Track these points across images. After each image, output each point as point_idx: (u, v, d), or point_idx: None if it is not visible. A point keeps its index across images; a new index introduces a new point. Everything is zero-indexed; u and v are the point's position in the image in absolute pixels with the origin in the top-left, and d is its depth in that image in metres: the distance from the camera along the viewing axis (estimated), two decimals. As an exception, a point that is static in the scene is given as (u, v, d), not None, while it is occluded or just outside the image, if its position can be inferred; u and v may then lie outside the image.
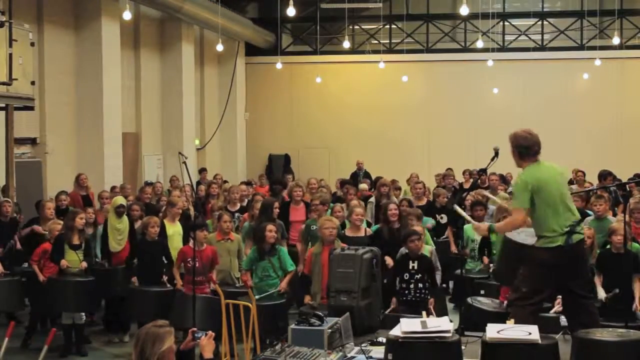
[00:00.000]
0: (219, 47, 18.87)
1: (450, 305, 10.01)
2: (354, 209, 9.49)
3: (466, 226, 9.66)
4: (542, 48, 22.83)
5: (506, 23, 23.00)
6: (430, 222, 11.01)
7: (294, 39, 24.38)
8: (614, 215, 10.17)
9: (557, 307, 6.97)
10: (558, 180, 6.34)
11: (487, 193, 11.11)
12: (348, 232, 9.24)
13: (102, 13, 15.29)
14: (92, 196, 12.70)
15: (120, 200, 10.29)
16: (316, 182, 13.70)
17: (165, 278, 9.05)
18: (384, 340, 5.78)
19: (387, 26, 23.25)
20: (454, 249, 10.91)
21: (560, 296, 6.76)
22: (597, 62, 20.92)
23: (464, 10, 16.15)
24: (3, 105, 10.94)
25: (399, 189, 14.24)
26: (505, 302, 6.86)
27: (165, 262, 9.20)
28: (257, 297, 7.90)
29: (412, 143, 22.81)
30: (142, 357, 4.17)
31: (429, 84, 23.05)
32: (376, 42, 23.35)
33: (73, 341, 9.04)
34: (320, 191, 11.95)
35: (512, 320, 5.84)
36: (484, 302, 7.44)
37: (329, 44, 23.88)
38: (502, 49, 22.73)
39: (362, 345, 6.14)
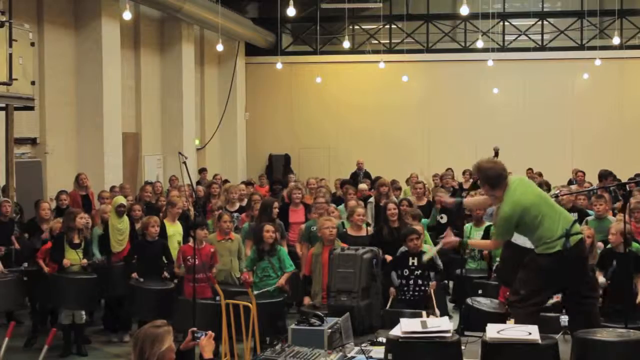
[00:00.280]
0: (219, 47, 18.87)
1: (450, 305, 10.02)
2: (354, 209, 9.49)
3: (466, 226, 9.67)
4: (542, 48, 22.84)
5: (506, 23, 23.00)
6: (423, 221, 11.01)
7: (294, 39, 24.38)
8: (614, 215, 10.17)
9: (556, 300, 6.96)
10: (535, 192, 6.33)
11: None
12: (350, 232, 9.24)
13: (102, 13, 15.29)
14: (91, 196, 12.70)
15: (120, 199, 10.29)
16: (315, 182, 13.69)
17: (166, 273, 9.06)
18: (384, 340, 5.78)
19: (387, 26, 23.25)
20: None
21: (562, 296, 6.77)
22: (597, 62, 20.92)
23: (464, 10, 16.16)
24: (3, 105, 10.93)
25: (399, 189, 14.24)
26: (505, 303, 6.86)
27: (166, 262, 9.22)
28: (255, 293, 7.91)
29: (412, 143, 22.81)
30: (142, 358, 4.16)
31: (429, 84, 23.05)
32: (376, 42, 23.35)
33: (72, 341, 9.04)
34: (320, 191, 11.93)
35: (513, 320, 5.84)
36: (484, 302, 7.43)
37: (329, 44, 23.88)
38: (502, 49, 22.73)
39: (362, 345, 6.14)
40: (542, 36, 22.99)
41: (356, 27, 24.07)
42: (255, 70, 23.77)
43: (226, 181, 16.48)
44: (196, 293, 7.87)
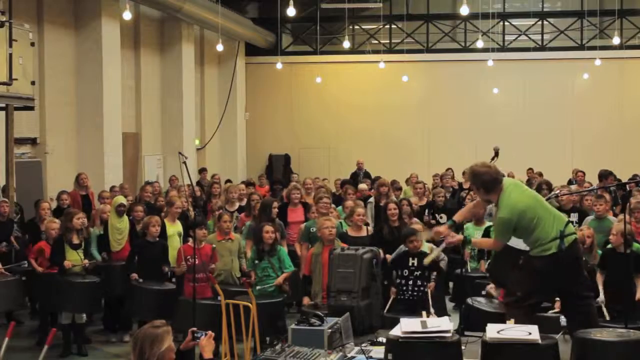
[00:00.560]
0: (219, 47, 18.87)
1: (450, 305, 10.02)
2: (354, 209, 9.49)
3: (466, 226, 9.66)
4: (542, 48, 22.83)
5: (506, 23, 23.01)
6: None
7: (294, 39, 24.38)
8: (615, 215, 10.17)
9: (557, 309, 6.97)
10: (530, 194, 6.34)
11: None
12: (350, 232, 9.24)
13: (102, 13, 15.29)
14: (92, 196, 12.71)
15: (120, 199, 10.30)
16: (312, 182, 13.72)
17: (166, 269, 9.05)
18: (384, 340, 5.78)
19: (387, 26, 23.25)
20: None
21: (559, 302, 6.77)
22: (597, 62, 20.92)
23: (464, 10, 16.15)
24: (3, 105, 10.93)
25: (400, 189, 14.24)
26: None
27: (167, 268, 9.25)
28: (255, 292, 7.92)
29: (412, 143, 22.82)
30: (142, 359, 4.16)
31: (429, 84, 23.05)
32: (376, 42, 23.35)
33: (72, 341, 9.05)
34: (320, 191, 11.93)
35: (512, 321, 5.84)
36: (484, 302, 7.43)
37: (329, 44, 23.89)
38: (502, 49, 22.73)
39: (362, 345, 6.14)
40: (542, 36, 23.00)
41: (356, 27, 24.07)
42: (255, 70, 23.77)
43: (229, 181, 16.47)
44: (196, 293, 7.87)
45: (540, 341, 5.35)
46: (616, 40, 20.58)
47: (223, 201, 12.14)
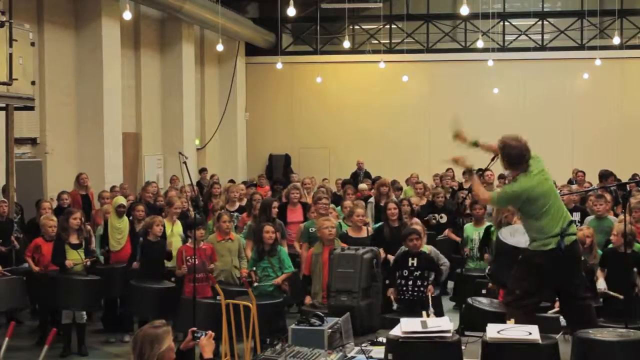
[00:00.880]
0: (219, 47, 18.88)
1: (450, 305, 10.02)
2: (354, 209, 9.49)
3: (466, 226, 9.67)
4: (542, 48, 22.83)
5: (506, 23, 23.00)
6: None
7: (294, 39, 24.38)
8: (615, 215, 10.17)
9: (556, 309, 6.97)
10: (551, 186, 6.32)
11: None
12: (350, 233, 9.23)
13: (102, 13, 15.29)
14: (91, 196, 12.71)
15: (120, 200, 10.29)
16: (310, 182, 13.70)
17: (167, 263, 9.06)
18: (384, 340, 5.78)
19: (388, 26, 23.25)
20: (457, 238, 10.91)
21: (558, 302, 6.77)
22: (598, 62, 20.92)
23: (464, 10, 16.16)
24: (3, 105, 10.93)
25: (400, 189, 14.24)
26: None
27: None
28: (255, 291, 7.93)
29: (413, 143, 22.79)
30: (142, 359, 4.16)
31: (429, 84, 23.05)
32: (376, 42, 23.35)
33: (70, 340, 9.06)
34: (319, 191, 11.94)
35: (512, 321, 5.84)
36: (484, 302, 7.43)
37: (329, 44, 23.88)
38: (503, 49, 22.73)
39: (363, 345, 6.14)
40: (542, 36, 22.99)
41: (356, 27, 24.07)
42: (256, 70, 23.77)
43: (231, 181, 16.47)
44: (196, 293, 7.88)
45: (540, 341, 5.35)
46: (616, 40, 20.58)
47: (224, 201, 12.14)
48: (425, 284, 7.87)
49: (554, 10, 23.93)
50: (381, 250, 8.41)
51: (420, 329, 5.45)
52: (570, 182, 15.75)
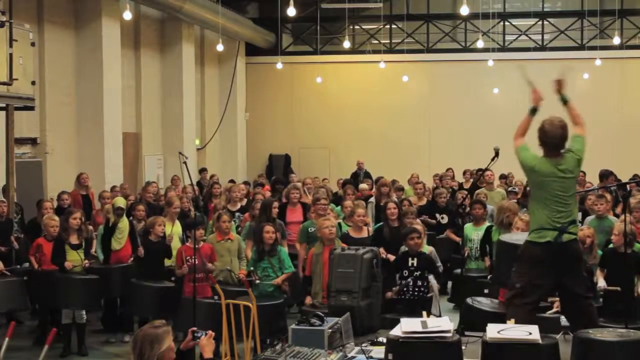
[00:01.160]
0: (220, 47, 18.88)
1: (450, 305, 10.02)
2: (355, 209, 9.48)
3: (466, 226, 9.66)
4: (542, 48, 22.83)
5: (506, 23, 23.01)
6: None
7: (295, 39, 24.38)
8: (615, 215, 10.17)
9: (556, 309, 6.97)
10: (558, 175, 6.23)
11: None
12: (351, 233, 9.23)
13: (102, 13, 15.29)
14: (92, 196, 12.71)
15: (119, 202, 10.27)
16: (312, 182, 13.68)
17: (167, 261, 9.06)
18: (385, 340, 5.78)
19: (388, 26, 23.25)
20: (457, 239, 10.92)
21: (558, 297, 6.76)
22: (598, 62, 20.92)
23: (464, 10, 16.16)
24: (3, 105, 10.93)
25: (402, 189, 14.25)
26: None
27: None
28: (255, 291, 7.93)
29: (413, 143, 22.80)
30: (142, 359, 4.16)
31: (430, 84, 23.05)
32: (376, 42, 23.35)
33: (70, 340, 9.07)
34: (318, 191, 11.93)
35: (513, 320, 5.84)
36: (484, 302, 7.43)
37: (329, 44, 23.89)
38: (503, 49, 22.73)
39: (363, 345, 6.14)
40: (543, 36, 23.00)
41: (356, 27, 24.08)
42: (256, 70, 23.77)
43: (232, 181, 16.48)
44: (196, 293, 7.88)
45: (540, 341, 5.35)
46: (616, 40, 20.59)
47: (225, 201, 12.14)
48: (426, 284, 7.87)
49: (554, 10, 23.94)
50: (381, 250, 8.41)
51: (420, 329, 5.45)
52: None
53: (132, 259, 9.66)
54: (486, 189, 12.79)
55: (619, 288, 7.17)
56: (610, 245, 7.91)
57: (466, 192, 12.10)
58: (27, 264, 9.76)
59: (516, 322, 5.80)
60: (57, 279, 8.97)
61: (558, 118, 6.39)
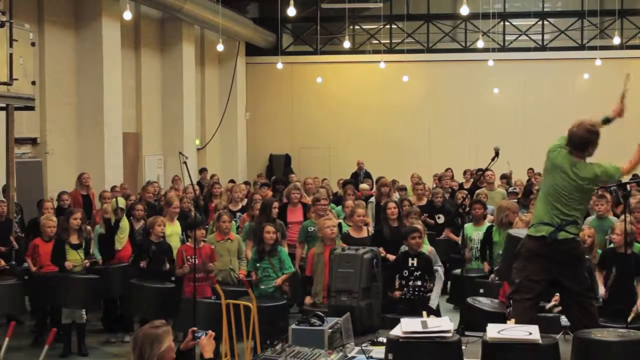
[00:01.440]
0: (220, 47, 18.89)
1: (450, 305, 10.02)
2: (355, 209, 9.48)
3: (466, 225, 9.65)
4: (542, 48, 22.83)
5: (507, 23, 23.01)
6: None
7: (295, 39, 24.38)
8: (615, 215, 10.17)
9: (554, 302, 6.96)
10: (567, 173, 6.18)
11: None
12: (351, 233, 9.23)
13: (102, 13, 15.30)
14: (93, 196, 12.71)
15: (119, 202, 10.27)
16: (312, 182, 13.69)
17: (167, 265, 9.03)
18: (385, 340, 5.77)
19: (388, 26, 23.26)
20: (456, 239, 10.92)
21: (558, 294, 6.76)
22: (598, 62, 20.92)
23: (464, 10, 16.17)
24: (3, 105, 10.93)
25: (404, 189, 14.25)
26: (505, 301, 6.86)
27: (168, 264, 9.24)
28: (255, 292, 7.93)
29: (413, 143, 22.81)
30: (142, 359, 4.16)
31: (430, 84, 23.05)
32: (377, 42, 23.36)
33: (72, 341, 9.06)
34: (318, 191, 11.93)
35: (513, 320, 5.84)
36: (484, 302, 7.43)
37: (329, 44, 23.89)
38: (503, 49, 22.74)
39: (363, 345, 6.13)
40: (543, 36, 23.00)
41: (356, 27, 24.08)
42: (256, 70, 23.78)
43: (232, 181, 16.49)
44: (196, 293, 7.88)
45: (540, 341, 5.35)
46: (617, 40, 20.59)
47: (226, 201, 12.14)
48: (426, 284, 7.87)
49: (554, 10, 23.95)
50: (380, 249, 8.40)
51: (420, 329, 5.45)
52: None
53: (131, 259, 9.65)
54: (487, 189, 12.79)
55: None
56: (611, 245, 7.90)
57: (466, 192, 12.11)
58: (26, 264, 9.75)
59: (516, 317, 5.80)
60: (56, 278, 8.97)
61: (591, 122, 6.36)
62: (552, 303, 7.00)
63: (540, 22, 22.95)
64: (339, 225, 9.51)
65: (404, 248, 8.25)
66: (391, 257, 8.59)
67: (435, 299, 7.90)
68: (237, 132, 22.92)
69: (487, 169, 8.18)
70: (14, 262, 9.76)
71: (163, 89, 19.07)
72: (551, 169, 6.25)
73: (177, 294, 8.79)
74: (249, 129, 23.60)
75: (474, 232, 9.62)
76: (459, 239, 10.59)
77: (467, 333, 6.27)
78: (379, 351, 5.84)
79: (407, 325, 5.49)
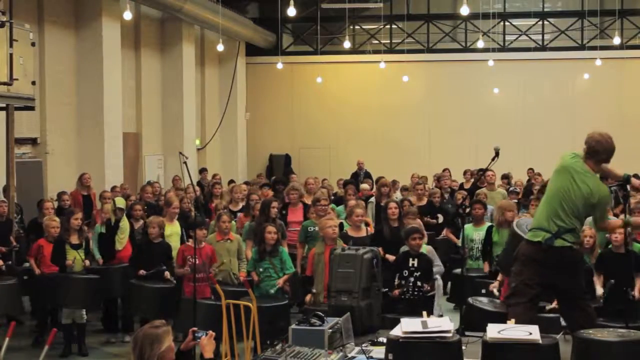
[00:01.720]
0: (220, 47, 18.89)
1: (450, 305, 10.02)
2: (353, 209, 9.48)
3: (466, 226, 9.64)
4: (542, 48, 22.84)
5: (507, 23, 23.01)
6: None
7: (295, 39, 24.39)
8: (615, 215, 10.16)
9: (554, 305, 6.96)
10: (577, 181, 6.11)
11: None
12: (350, 232, 9.23)
13: (102, 13, 15.30)
14: (93, 197, 12.70)
15: (118, 202, 10.28)
16: (313, 182, 13.68)
17: (167, 274, 9.02)
18: (385, 340, 5.77)
19: (388, 26, 23.26)
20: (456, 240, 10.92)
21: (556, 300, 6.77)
22: (598, 62, 20.93)
23: (464, 10, 16.17)
24: (4, 105, 10.93)
25: (407, 189, 14.24)
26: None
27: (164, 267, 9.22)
28: (256, 292, 7.93)
29: (413, 143, 22.82)
30: (142, 359, 4.16)
31: (430, 84, 23.06)
32: (377, 42, 23.36)
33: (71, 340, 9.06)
34: (319, 191, 11.92)
35: (513, 320, 5.84)
36: (485, 302, 7.43)
37: (329, 44, 23.90)
38: (503, 49, 22.74)
39: (363, 345, 6.13)
40: (543, 36, 23.01)
41: (357, 27, 24.08)
42: (256, 70, 23.78)
43: (232, 181, 16.49)
44: (196, 293, 7.88)
45: (540, 341, 5.35)
46: (617, 40, 20.59)
47: (227, 201, 12.15)
48: (426, 284, 7.87)
49: (555, 10, 23.96)
50: (380, 249, 8.40)
51: (420, 329, 5.45)
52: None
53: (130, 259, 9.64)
54: (487, 189, 12.80)
55: (612, 281, 7.15)
56: (610, 246, 7.90)
57: (465, 193, 12.11)
58: (27, 264, 9.75)
59: (517, 322, 5.79)
60: (57, 278, 8.98)
61: (602, 133, 6.26)
62: (552, 306, 7.00)
63: (540, 22, 22.95)
64: (341, 225, 9.51)
65: (404, 248, 8.25)
66: (390, 257, 8.59)
67: (437, 307, 7.89)
68: (237, 132, 22.92)
69: (487, 169, 8.18)
70: (10, 262, 9.75)
71: (163, 89, 19.07)
72: (560, 170, 6.20)
73: (177, 294, 8.78)
74: (249, 129, 23.60)
75: (475, 233, 9.62)
76: (458, 241, 10.61)
77: (467, 333, 6.27)
78: (379, 351, 5.84)
79: (407, 325, 5.49)
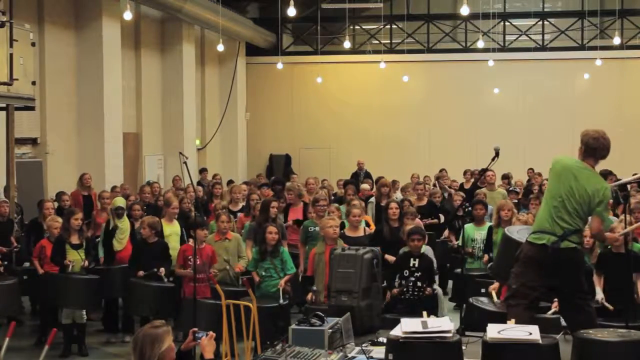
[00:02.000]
0: (220, 48, 18.89)
1: (450, 305, 10.01)
2: (351, 209, 9.48)
3: (467, 226, 9.64)
4: (542, 48, 22.84)
5: (507, 23, 23.02)
6: None
7: (295, 39, 24.39)
8: (615, 215, 10.15)
9: (554, 309, 6.96)
10: (581, 184, 6.06)
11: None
12: (347, 232, 9.24)
13: (102, 13, 15.31)
14: (94, 197, 12.70)
15: (118, 202, 10.28)
16: (314, 182, 13.69)
17: (162, 272, 9.00)
18: (385, 340, 5.77)
19: (388, 26, 23.26)
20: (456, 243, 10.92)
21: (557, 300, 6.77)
22: (598, 62, 20.94)
23: (464, 11, 16.16)
24: (4, 105, 10.94)
25: (405, 189, 14.21)
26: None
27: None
28: (257, 292, 7.93)
29: (413, 143, 22.83)
30: (142, 359, 4.16)
31: (430, 84, 23.06)
32: (377, 42, 23.36)
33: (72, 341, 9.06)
34: (319, 191, 11.92)
35: (513, 320, 5.84)
36: (485, 302, 7.43)
37: (329, 44, 23.90)
38: (503, 49, 22.74)
39: (363, 345, 6.13)
40: (543, 36, 23.01)
41: (357, 27, 24.09)
42: (256, 71, 23.78)
43: (231, 181, 16.49)
44: (196, 293, 7.88)
45: (540, 341, 5.35)
46: (617, 40, 20.59)
47: (228, 201, 12.15)
48: (426, 285, 7.87)
49: (555, 10, 23.96)
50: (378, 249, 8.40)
51: (420, 329, 5.45)
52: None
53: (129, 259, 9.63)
54: (487, 189, 12.80)
55: (612, 308, 7.14)
56: (609, 246, 7.90)
57: (463, 195, 12.12)
58: (27, 264, 9.75)
59: (517, 322, 5.79)
60: (57, 278, 8.98)
61: (598, 131, 6.22)
62: (553, 311, 7.00)
63: (540, 22, 22.96)
64: (342, 224, 9.52)
65: (405, 248, 8.25)
66: (390, 257, 8.58)
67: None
68: (237, 132, 22.92)
69: (487, 169, 8.18)
70: (6, 262, 9.74)
71: (163, 89, 19.07)
72: (561, 171, 6.16)
73: (177, 293, 8.78)
74: (249, 129, 23.61)
75: (476, 232, 9.61)
76: (456, 243, 10.63)
77: (467, 333, 6.28)
78: (379, 351, 5.84)
79: (407, 325, 5.49)
